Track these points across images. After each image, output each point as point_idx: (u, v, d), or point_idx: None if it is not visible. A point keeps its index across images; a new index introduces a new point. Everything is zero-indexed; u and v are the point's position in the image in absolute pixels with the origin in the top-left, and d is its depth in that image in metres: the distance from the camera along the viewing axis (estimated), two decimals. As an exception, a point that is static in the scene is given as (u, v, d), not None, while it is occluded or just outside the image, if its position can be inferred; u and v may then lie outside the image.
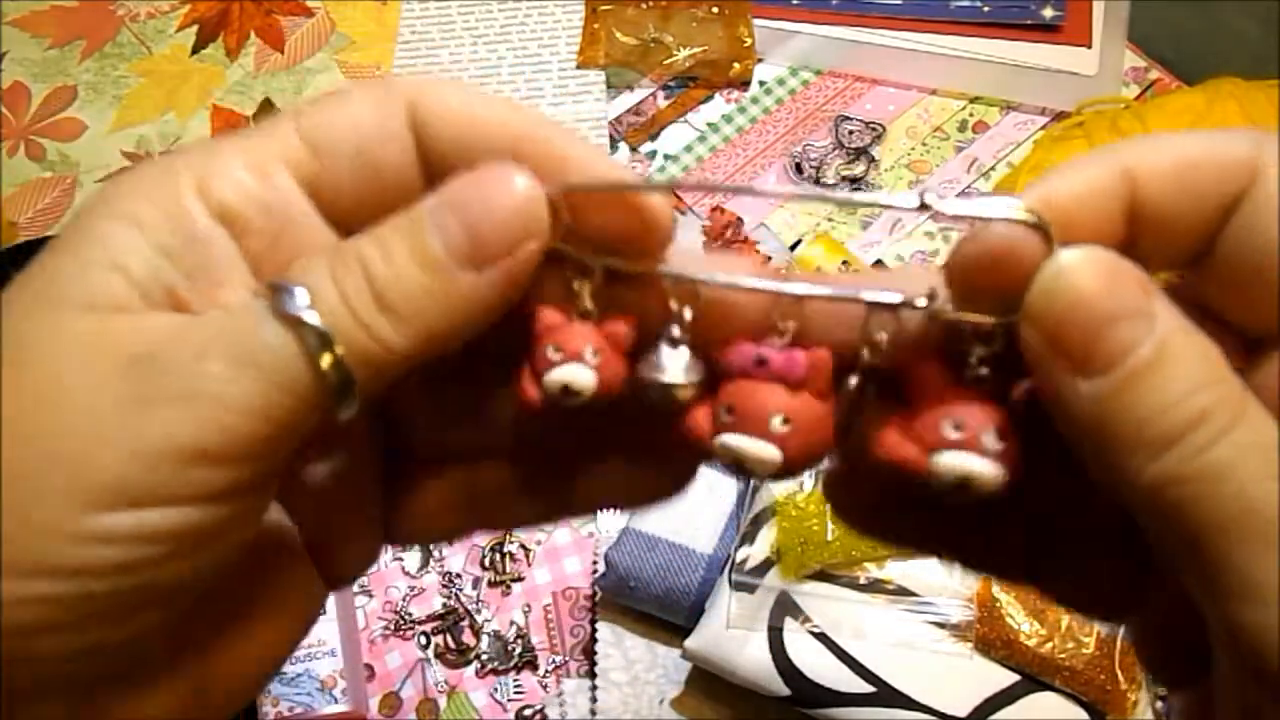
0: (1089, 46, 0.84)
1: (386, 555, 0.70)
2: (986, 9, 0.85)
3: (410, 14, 0.88)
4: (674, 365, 0.22)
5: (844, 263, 0.73)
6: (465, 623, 0.68)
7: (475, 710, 0.66)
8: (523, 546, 0.70)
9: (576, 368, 0.21)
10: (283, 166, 0.21)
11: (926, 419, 0.20)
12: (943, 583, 0.59)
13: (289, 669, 0.62)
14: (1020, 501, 0.21)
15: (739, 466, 0.21)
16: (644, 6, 0.86)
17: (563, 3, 0.87)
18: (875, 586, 0.59)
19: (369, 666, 0.67)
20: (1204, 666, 0.20)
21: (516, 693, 0.66)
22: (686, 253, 0.22)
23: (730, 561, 0.61)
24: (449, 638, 0.68)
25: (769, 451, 0.21)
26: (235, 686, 0.23)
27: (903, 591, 0.59)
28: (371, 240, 0.20)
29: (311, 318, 0.19)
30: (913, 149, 0.82)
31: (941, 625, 0.58)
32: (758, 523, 0.61)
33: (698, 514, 0.64)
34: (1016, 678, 0.58)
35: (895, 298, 0.21)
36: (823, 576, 0.59)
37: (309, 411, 0.19)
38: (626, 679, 0.64)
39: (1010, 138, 0.82)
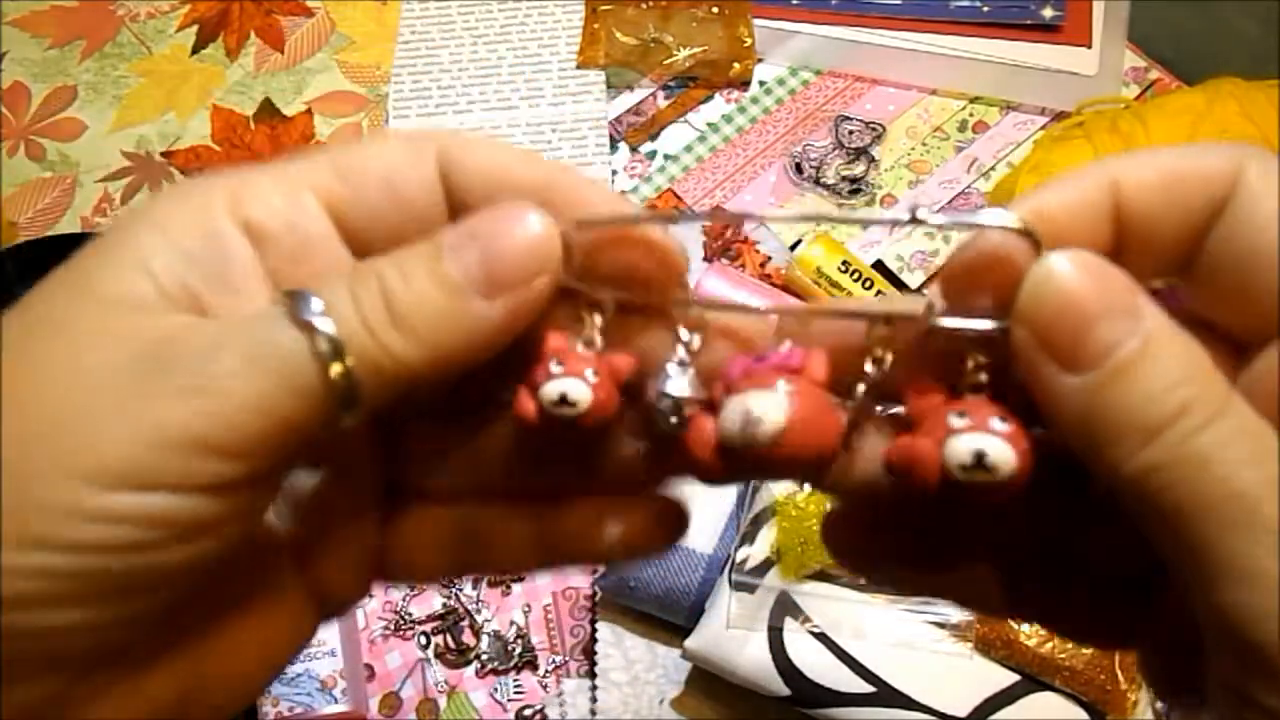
0: (1089, 46, 0.84)
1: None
2: (986, 9, 0.85)
3: (410, 14, 0.88)
4: (680, 381, 0.23)
5: (844, 263, 0.73)
6: (465, 622, 0.68)
7: (475, 710, 0.66)
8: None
9: (575, 381, 0.22)
10: (311, 192, 0.22)
11: (932, 420, 0.21)
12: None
13: (289, 669, 0.62)
14: (1011, 545, 0.23)
15: (743, 443, 0.21)
16: (644, 6, 0.86)
17: (563, 3, 0.87)
18: (875, 586, 0.59)
19: (369, 666, 0.67)
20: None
21: (516, 693, 0.66)
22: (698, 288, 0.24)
23: (730, 561, 0.61)
24: (449, 638, 0.68)
25: (775, 403, 0.21)
26: (225, 691, 0.24)
27: (903, 591, 0.59)
28: (390, 261, 0.21)
29: (325, 324, 0.20)
30: (913, 149, 0.82)
31: (941, 625, 0.58)
32: (758, 523, 0.61)
33: (698, 514, 0.64)
34: (1016, 678, 0.58)
35: (893, 309, 0.22)
36: (823, 576, 0.59)
37: (314, 415, 0.20)
38: (626, 679, 0.64)
39: (1010, 138, 0.82)
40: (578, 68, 0.85)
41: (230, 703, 0.24)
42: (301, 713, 0.61)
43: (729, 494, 0.64)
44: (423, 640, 0.68)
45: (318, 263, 0.22)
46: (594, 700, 0.64)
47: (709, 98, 0.85)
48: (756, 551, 0.60)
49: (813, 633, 0.58)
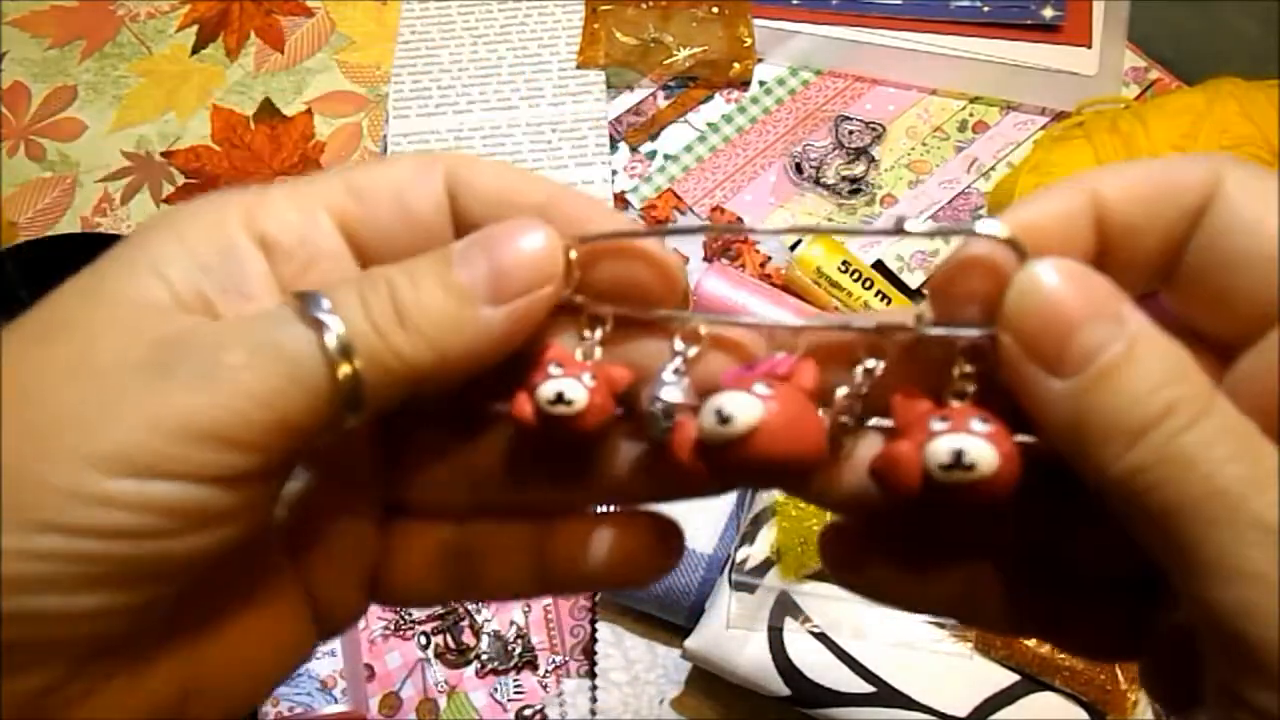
0: (1089, 46, 0.84)
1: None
2: (986, 9, 0.85)
3: (410, 14, 0.88)
4: (674, 389, 0.23)
5: (844, 263, 0.73)
6: (465, 622, 0.68)
7: (475, 710, 0.66)
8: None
9: (572, 381, 0.23)
10: (324, 208, 0.23)
11: (916, 426, 0.21)
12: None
13: (289, 669, 0.62)
14: (1005, 553, 0.23)
15: (713, 440, 0.21)
16: (644, 6, 0.86)
17: (563, 3, 0.87)
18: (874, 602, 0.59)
19: (369, 666, 0.67)
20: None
21: (516, 693, 0.66)
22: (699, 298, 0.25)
23: (730, 561, 0.61)
24: (449, 638, 0.68)
25: (747, 401, 0.21)
26: (224, 697, 0.24)
27: (903, 591, 0.59)
28: (400, 269, 0.22)
29: (333, 322, 0.21)
30: (913, 149, 0.82)
31: (941, 625, 0.58)
32: (758, 523, 0.61)
33: (698, 514, 0.64)
34: (1016, 678, 0.58)
35: (883, 320, 0.22)
36: (823, 576, 0.59)
37: (320, 411, 0.21)
38: (626, 679, 0.64)
39: (1010, 138, 0.82)
40: (578, 68, 0.85)
41: (229, 709, 0.24)
42: (301, 713, 0.61)
43: (729, 494, 0.64)
44: (423, 640, 0.68)
45: (327, 274, 0.23)
46: (594, 700, 0.64)
47: (709, 98, 0.85)
48: (756, 551, 0.60)
49: (813, 633, 0.58)
